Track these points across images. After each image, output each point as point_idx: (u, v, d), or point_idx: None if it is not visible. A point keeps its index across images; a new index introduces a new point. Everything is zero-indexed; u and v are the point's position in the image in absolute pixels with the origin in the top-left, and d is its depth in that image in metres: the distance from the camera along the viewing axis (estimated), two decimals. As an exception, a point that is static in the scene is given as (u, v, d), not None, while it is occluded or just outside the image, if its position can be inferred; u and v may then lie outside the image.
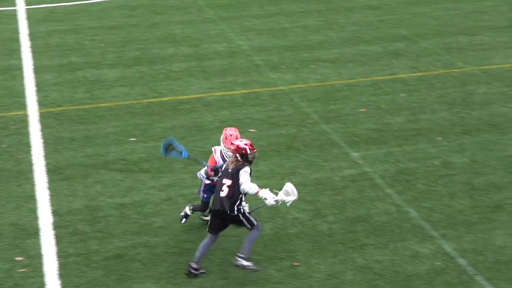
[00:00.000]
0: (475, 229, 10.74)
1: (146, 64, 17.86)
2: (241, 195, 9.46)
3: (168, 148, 10.47)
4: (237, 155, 9.54)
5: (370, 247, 10.26)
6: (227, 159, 10.05)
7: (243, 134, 14.03)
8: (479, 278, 9.62)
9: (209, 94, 16.10)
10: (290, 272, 9.82)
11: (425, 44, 19.21)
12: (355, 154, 13.28)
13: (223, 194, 9.47)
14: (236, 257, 9.55)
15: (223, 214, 9.49)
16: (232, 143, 9.72)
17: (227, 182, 9.48)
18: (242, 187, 9.34)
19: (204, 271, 9.76)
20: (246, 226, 9.60)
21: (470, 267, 9.86)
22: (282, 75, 17.20)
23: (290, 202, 9.46)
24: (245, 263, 9.49)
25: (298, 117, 14.89)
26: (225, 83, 16.76)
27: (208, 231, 9.70)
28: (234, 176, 9.43)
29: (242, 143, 9.59)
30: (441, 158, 13.05)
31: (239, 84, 16.68)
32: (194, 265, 9.67)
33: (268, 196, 9.38)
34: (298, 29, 20.53)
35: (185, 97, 15.96)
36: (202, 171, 10.30)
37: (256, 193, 9.37)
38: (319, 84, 16.68)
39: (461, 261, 10.01)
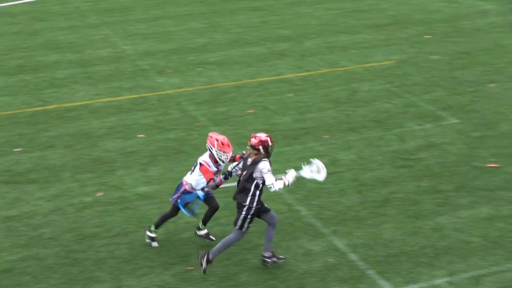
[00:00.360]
0: (365, 224, 10.97)
1: (29, 72, 17.43)
2: (253, 189, 9.56)
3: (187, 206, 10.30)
4: (260, 147, 9.56)
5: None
6: (222, 163, 9.99)
7: (132, 140, 13.90)
8: (370, 272, 9.82)
9: (95, 101, 15.85)
10: (185, 276, 9.78)
11: (309, 44, 19.53)
12: (245, 155, 13.35)
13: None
14: (265, 259, 9.84)
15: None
16: (254, 136, 9.66)
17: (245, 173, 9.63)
18: (271, 190, 9.46)
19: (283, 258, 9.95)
20: (236, 223, 9.63)
21: (361, 262, 10.06)
22: (168, 79, 17.13)
23: (319, 178, 9.65)
24: (271, 260, 9.86)
25: (186, 120, 14.85)
26: (112, 88, 16.55)
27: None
28: (251, 169, 9.50)
29: (263, 135, 9.65)
30: (329, 155, 13.27)
31: (125, 89, 16.51)
32: (210, 256, 9.55)
33: (291, 180, 9.50)
34: (183, 32, 20.50)
35: (71, 104, 15.66)
36: (204, 188, 10.02)
37: (286, 187, 9.57)
38: (206, 86, 16.70)
39: (353, 256, 10.21)
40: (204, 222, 10.51)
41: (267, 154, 9.65)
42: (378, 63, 18.00)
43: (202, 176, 10.08)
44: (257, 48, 19.20)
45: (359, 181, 12.32)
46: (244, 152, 10.01)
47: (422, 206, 11.30)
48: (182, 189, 10.27)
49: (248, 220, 9.66)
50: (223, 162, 10.09)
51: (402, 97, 15.93)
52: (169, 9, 22.61)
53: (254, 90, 16.47)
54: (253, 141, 9.66)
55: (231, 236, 9.76)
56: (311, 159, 9.77)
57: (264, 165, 9.50)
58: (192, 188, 10.24)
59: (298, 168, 9.79)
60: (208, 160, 10.11)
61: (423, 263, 9.89)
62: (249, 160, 9.63)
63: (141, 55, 18.66)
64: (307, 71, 17.65)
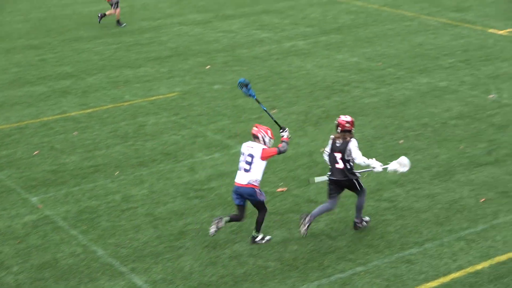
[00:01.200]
0: (163, 259, 10.95)
1: None
2: (351, 164, 11.17)
3: (243, 86, 12.02)
4: (352, 129, 11.19)
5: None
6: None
7: None
8: (172, 306, 9.82)
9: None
10: None
11: (91, 80, 19.28)
12: (34, 199, 12.92)
13: (338, 166, 11.19)
14: (357, 225, 11.53)
15: (341, 182, 11.23)
16: (345, 121, 11.14)
17: (338, 155, 11.19)
18: (356, 161, 11.14)
19: (367, 219, 11.70)
20: (357, 190, 11.34)
21: (162, 297, 10.03)
22: None
23: (402, 171, 11.42)
24: (363, 224, 11.60)
25: (-33, 167, 14.13)
26: None
27: (329, 197, 11.44)
28: (344, 149, 11.10)
29: (348, 118, 11.25)
30: (121, 192, 13.15)
31: None
32: (308, 219, 11.14)
33: (376, 165, 11.24)
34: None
35: None
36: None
37: (368, 164, 11.17)
38: (-14, 130, 16.00)
39: (153, 292, 10.16)
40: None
41: (351, 135, 11.22)
42: (162, 96, 18.11)
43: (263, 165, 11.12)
44: (37, 87, 18.69)
45: (154, 215, 12.30)
46: (332, 136, 11.38)
47: (218, 236, 11.45)
48: (257, 191, 11.10)
49: (359, 181, 11.31)
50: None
51: (189, 128, 16.12)
52: None
53: (38, 131, 15.99)
54: (346, 125, 11.13)
55: (360, 198, 11.39)
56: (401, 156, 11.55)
57: (354, 143, 11.15)
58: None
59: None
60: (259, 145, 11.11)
61: (223, 292, 10.02)
62: (338, 142, 11.18)
63: None
64: (92, 107, 17.41)
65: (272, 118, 12.10)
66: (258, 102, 12.46)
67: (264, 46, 21.92)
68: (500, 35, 22.28)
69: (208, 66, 20.23)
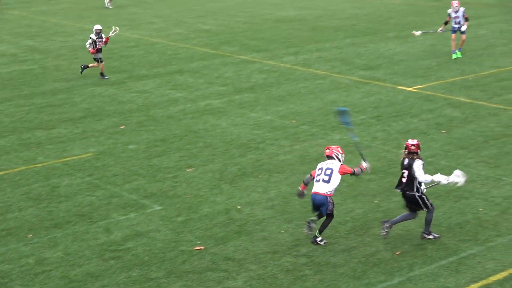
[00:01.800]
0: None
1: None
2: (416, 182, 12.70)
3: (341, 114, 13.71)
4: (418, 151, 12.85)
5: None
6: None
7: None
8: None
9: None
10: None
11: (2, 142, 18.90)
12: None
13: (404, 180, 12.83)
14: (424, 235, 13.03)
15: (405, 195, 12.85)
16: (410, 145, 12.88)
17: (405, 172, 12.82)
18: (419, 180, 12.63)
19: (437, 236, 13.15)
20: (421, 207, 12.83)
21: None
22: None
23: (460, 183, 12.83)
24: (430, 236, 13.06)
25: None
26: None
27: (406, 210, 13.08)
28: (409, 168, 12.71)
29: (414, 141, 12.92)
30: (34, 255, 12.82)
31: None
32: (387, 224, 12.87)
33: (441, 179, 12.70)
34: None
35: None
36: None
37: (432, 180, 12.69)
38: None
39: None
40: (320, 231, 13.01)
41: (418, 156, 12.82)
42: (76, 157, 17.87)
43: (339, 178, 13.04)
44: None
45: (69, 278, 12.02)
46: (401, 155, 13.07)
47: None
48: (330, 201, 12.88)
49: (424, 199, 12.76)
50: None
51: (104, 188, 15.92)
52: None
53: None
54: (412, 148, 12.81)
55: (428, 214, 12.90)
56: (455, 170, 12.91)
57: (417, 163, 12.67)
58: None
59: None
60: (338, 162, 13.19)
61: None
62: (406, 162, 12.78)
63: None
64: (3, 170, 17.02)
65: (359, 151, 13.89)
66: (351, 131, 14.77)
67: (178, 106, 21.97)
68: (409, 92, 22.92)
69: (123, 126, 20.11)
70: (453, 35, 27.13)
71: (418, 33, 28.24)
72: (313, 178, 13.20)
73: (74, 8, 40.74)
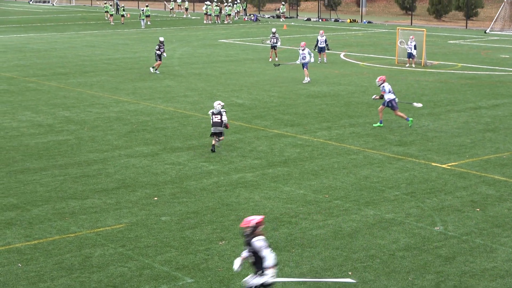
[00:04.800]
0: None
1: None
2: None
3: None
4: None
5: None
6: None
7: None
8: None
9: None
10: None
11: (36, 211, 19.03)
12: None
13: None
14: None
15: None
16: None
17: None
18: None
19: None
20: None
21: None
22: None
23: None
24: None
25: None
26: None
27: None
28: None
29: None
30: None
31: None
32: None
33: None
34: None
35: None
36: None
37: None
38: None
39: None
40: None
41: None
42: (109, 227, 17.92)
43: None
44: (-19, 218, 18.34)
45: None
46: None
47: None
48: None
49: None
50: None
51: (136, 259, 15.90)
52: None
53: (-19, 263, 15.58)
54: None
55: None
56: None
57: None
58: None
59: None
60: None
61: None
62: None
63: None
64: (36, 239, 17.10)
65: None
66: None
67: (212, 178, 22.04)
68: (443, 169, 22.81)
69: (156, 198, 20.19)
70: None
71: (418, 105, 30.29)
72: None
73: (110, 81, 41.41)
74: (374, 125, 28.78)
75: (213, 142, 25.22)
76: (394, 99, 28.52)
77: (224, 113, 25.17)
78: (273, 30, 50.72)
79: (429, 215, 18.68)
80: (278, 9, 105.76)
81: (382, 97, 28.70)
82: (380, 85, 28.69)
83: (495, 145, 25.87)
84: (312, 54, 41.02)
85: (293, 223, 18.17)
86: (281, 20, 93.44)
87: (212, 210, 19.17)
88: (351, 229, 17.68)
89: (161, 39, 44.26)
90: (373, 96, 29.74)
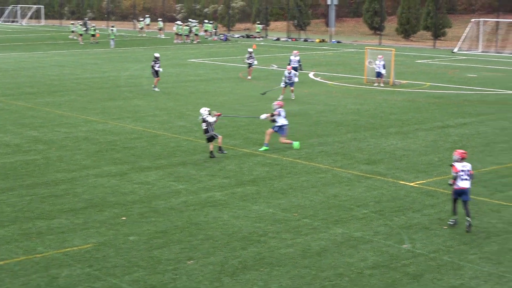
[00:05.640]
0: None
1: None
2: None
3: None
4: None
5: None
6: None
7: None
8: None
9: None
10: None
11: (2, 232, 18.83)
12: None
13: None
14: None
15: None
16: None
17: None
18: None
19: None
20: None
21: None
22: None
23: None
24: None
25: None
26: None
27: None
28: None
29: None
30: None
31: None
32: None
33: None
34: None
35: None
36: None
37: None
38: None
39: None
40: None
41: None
42: (77, 247, 17.77)
43: None
44: None
45: None
46: None
47: None
48: None
49: None
50: None
51: (104, 280, 15.78)
52: None
53: None
54: None
55: None
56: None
57: None
58: None
59: None
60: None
61: None
62: None
63: None
64: (2, 259, 16.91)
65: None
66: None
67: (180, 197, 21.97)
68: (411, 187, 22.96)
69: (124, 218, 20.06)
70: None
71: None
72: None
73: (79, 100, 41.22)
74: (260, 149, 28.16)
75: (210, 148, 26.95)
76: (286, 125, 28.33)
77: (207, 117, 26.88)
78: (250, 50, 51.08)
79: (397, 233, 18.77)
80: (248, 29, 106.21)
81: (274, 120, 28.26)
82: (276, 109, 28.32)
83: (462, 163, 26.08)
84: (297, 74, 43.18)
85: (261, 242, 18.16)
86: (257, 39, 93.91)
87: (180, 229, 19.10)
88: (320, 248, 17.70)
89: (157, 55, 44.51)
90: (264, 116, 29.00)
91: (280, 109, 28.39)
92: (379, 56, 46.94)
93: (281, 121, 28.29)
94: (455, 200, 19.13)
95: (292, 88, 41.53)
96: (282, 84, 41.48)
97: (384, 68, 46.68)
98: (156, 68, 44.08)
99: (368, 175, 24.42)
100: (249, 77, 50.39)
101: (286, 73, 41.57)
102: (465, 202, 18.88)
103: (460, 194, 18.89)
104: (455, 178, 18.81)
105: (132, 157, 27.14)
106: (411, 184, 23.33)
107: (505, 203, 21.29)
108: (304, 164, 25.97)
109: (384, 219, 19.86)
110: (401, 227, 19.18)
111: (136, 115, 36.25)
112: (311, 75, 53.64)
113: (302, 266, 16.54)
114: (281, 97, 40.27)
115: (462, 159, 19.05)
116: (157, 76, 44.47)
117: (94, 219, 19.92)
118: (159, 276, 15.94)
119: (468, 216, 18.81)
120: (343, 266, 16.55)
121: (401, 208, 20.85)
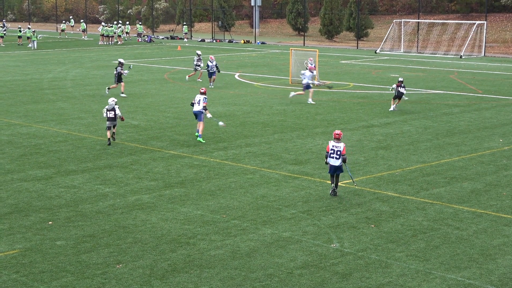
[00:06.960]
0: None
1: None
2: None
3: None
4: None
5: None
6: None
7: None
8: None
9: None
10: None
11: None
12: None
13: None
14: None
15: None
16: None
17: None
18: None
19: None
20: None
21: None
22: None
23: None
24: None
25: None
26: None
27: None
28: None
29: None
30: None
31: None
32: None
33: None
34: None
35: None
36: None
37: None
38: None
39: None
40: None
41: None
42: (2, 253, 17.39)
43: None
44: None
45: None
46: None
47: None
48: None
49: None
50: None
51: (31, 286, 15.49)
52: None
53: None
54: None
55: None
56: None
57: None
58: None
59: None
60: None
61: None
62: None
63: None
64: None
65: None
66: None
67: (108, 201, 21.72)
68: (339, 186, 23.23)
69: (50, 222, 19.73)
70: None
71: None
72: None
73: (1, 103, 40.35)
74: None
75: (108, 135, 28.93)
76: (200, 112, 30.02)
77: (117, 108, 29.09)
78: (198, 52, 51.00)
79: (325, 232, 18.96)
80: (173, 30, 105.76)
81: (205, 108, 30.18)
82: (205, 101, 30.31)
83: (387, 162, 26.54)
84: (218, 65, 48.45)
85: (191, 244, 18.10)
86: (184, 40, 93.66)
87: (108, 233, 18.89)
88: (249, 249, 17.75)
89: (121, 60, 43.83)
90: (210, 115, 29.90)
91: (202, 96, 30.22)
92: (310, 59, 46.33)
93: (195, 107, 30.22)
94: (331, 176, 22.07)
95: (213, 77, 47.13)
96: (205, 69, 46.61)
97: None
98: (123, 72, 43.14)
99: (295, 175, 24.60)
100: (199, 79, 50.27)
101: (208, 63, 46.50)
102: (338, 175, 22.04)
103: (336, 169, 21.79)
104: (326, 157, 21.86)
105: (57, 160, 26.71)
106: (341, 183, 23.60)
107: (430, 201, 21.73)
108: (231, 165, 26.01)
109: (312, 218, 20.04)
110: (329, 227, 19.38)
111: (60, 118, 35.70)
112: (236, 76, 53.74)
113: (232, 267, 16.55)
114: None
115: (337, 140, 21.77)
116: (121, 81, 43.54)
117: (20, 224, 19.54)
118: (87, 281, 15.73)
119: (336, 186, 22.19)
120: (273, 266, 16.63)
121: (328, 207, 21.07)
